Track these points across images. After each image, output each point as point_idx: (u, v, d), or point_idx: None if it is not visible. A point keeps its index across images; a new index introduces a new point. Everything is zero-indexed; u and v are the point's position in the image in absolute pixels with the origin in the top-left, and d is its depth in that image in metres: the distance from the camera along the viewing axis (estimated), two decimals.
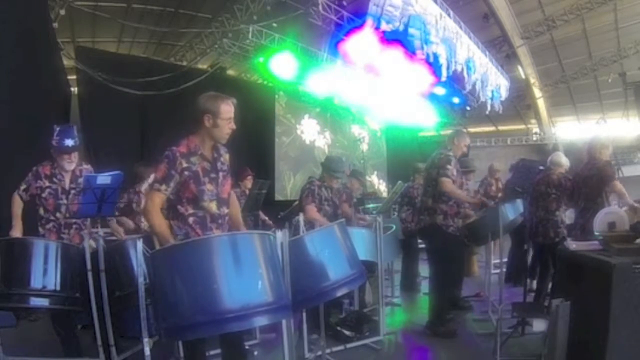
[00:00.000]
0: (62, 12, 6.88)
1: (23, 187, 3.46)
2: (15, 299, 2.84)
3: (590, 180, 4.02)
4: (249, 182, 5.97)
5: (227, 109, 2.52)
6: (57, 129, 3.46)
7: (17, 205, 3.45)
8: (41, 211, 3.45)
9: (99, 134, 7.07)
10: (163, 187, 2.44)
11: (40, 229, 3.44)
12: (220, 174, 2.59)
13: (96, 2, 8.07)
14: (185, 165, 2.46)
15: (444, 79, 9.27)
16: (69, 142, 3.39)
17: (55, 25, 6.71)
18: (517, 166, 4.70)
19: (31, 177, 3.45)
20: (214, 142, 2.58)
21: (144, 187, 4.39)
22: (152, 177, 5.32)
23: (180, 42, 10.29)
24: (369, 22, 6.88)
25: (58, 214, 3.44)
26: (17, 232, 3.33)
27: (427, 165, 4.37)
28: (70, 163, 3.46)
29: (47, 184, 3.43)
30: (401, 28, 7.32)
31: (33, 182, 3.44)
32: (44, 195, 3.42)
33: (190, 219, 2.48)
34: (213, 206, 2.53)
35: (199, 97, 2.57)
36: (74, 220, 3.47)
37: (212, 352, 2.93)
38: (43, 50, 5.83)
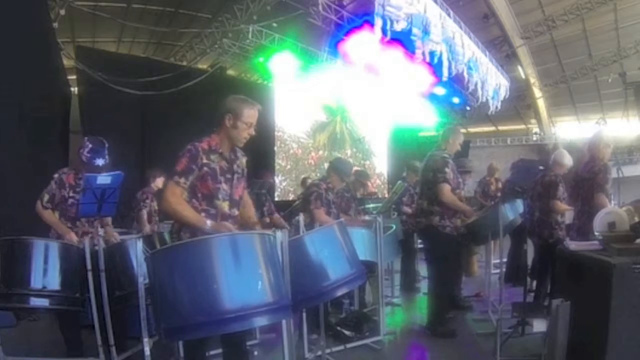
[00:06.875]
0: (62, 12, 6.89)
1: (46, 197, 3.37)
2: (16, 299, 2.84)
3: (587, 182, 3.97)
4: None
5: (250, 114, 2.54)
6: (89, 145, 3.41)
7: (50, 215, 3.37)
8: (61, 219, 3.41)
9: (98, 134, 6.96)
10: (182, 180, 2.44)
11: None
12: (235, 175, 2.61)
13: (96, 2, 8.08)
14: (205, 161, 2.48)
15: (445, 78, 9.24)
16: (100, 162, 3.38)
17: (55, 25, 6.71)
18: (516, 165, 4.67)
19: (55, 186, 3.39)
20: (232, 144, 2.60)
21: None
22: (157, 180, 5.36)
23: (180, 42, 10.30)
24: (378, 22, 6.80)
25: (78, 223, 3.44)
26: (73, 235, 3.29)
27: (422, 167, 4.36)
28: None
29: (71, 194, 3.40)
30: (407, 28, 7.27)
31: (57, 192, 3.38)
32: (66, 204, 3.40)
33: (202, 215, 2.48)
34: (225, 206, 2.55)
35: (227, 97, 2.60)
36: (91, 230, 3.45)
37: (212, 352, 2.93)
38: (43, 50, 5.83)
